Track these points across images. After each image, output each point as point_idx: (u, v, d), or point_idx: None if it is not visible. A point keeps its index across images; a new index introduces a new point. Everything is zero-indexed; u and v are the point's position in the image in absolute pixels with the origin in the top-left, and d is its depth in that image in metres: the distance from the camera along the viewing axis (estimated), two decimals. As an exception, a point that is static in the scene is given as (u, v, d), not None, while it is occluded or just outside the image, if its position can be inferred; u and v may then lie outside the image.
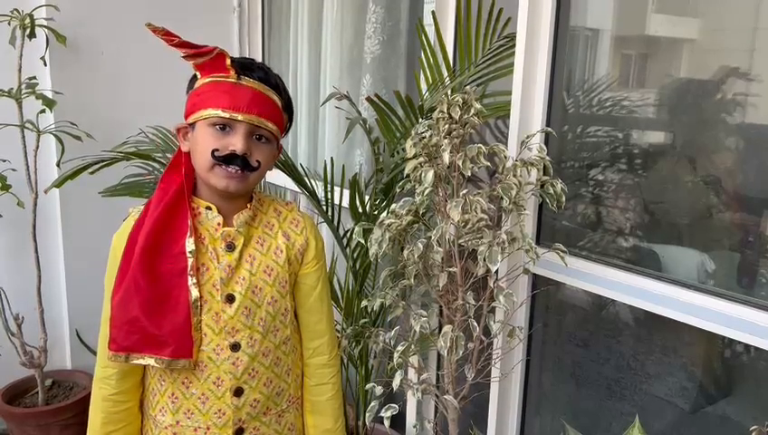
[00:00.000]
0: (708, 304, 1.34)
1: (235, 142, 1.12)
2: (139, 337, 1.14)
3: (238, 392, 1.20)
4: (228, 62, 1.12)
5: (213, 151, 1.12)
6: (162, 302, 1.14)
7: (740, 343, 1.34)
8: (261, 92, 1.14)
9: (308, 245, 1.28)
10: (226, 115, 1.11)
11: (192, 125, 1.16)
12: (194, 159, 1.17)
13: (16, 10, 2.24)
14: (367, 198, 1.84)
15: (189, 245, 1.15)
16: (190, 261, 1.15)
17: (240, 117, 1.11)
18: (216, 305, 1.18)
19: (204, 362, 1.18)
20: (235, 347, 1.19)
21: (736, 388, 1.47)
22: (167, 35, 1.10)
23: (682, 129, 1.50)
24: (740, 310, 1.29)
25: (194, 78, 1.18)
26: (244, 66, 1.15)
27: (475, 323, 1.45)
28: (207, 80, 1.14)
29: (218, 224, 1.19)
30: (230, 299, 1.19)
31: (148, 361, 1.15)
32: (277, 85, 1.18)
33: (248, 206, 1.22)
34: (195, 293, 1.15)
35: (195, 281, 1.15)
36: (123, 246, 1.17)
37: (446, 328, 1.43)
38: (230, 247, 1.19)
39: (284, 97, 1.20)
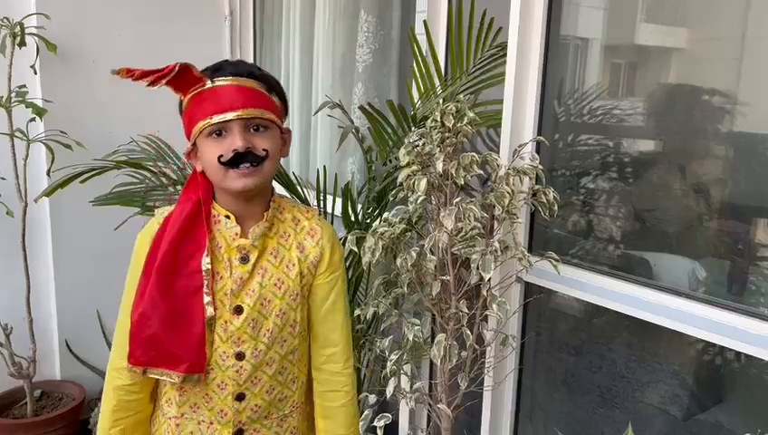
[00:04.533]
0: (699, 311, 1.35)
1: (234, 141, 1.12)
2: (155, 353, 1.17)
3: (240, 397, 1.22)
4: (196, 72, 1.12)
5: (219, 158, 1.13)
6: (178, 319, 1.17)
7: (731, 350, 1.35)
8: (239, 86, 1.14)
9: (322, 256, 1.27)
10: (215, 120, 1.12)
11: (195, 144, 1.18)
12: (208, 173, 1.19)
13: (6, 18, 2.23)
14: (359, 206, 1.84)
15: (205, 264, 1.17)
16: (206, 280, 1.17)
17: (229, 116, 1.12)
18: (225, 314, 1.19)
19: (210, 365, 1.20)
20: (240, 356, 1.20)
21: (728, 395, 1.47)
22: (128, 72, 1.10)
23: (672, 137, 1.51)
24: (731, 317, 1.30)
25: (180, 102, 1.19)
26: (216, 69, 1.16)
27: (469, 332, 1.45)
28: (189, 97, 1.15)
29: (236, 234, 1.20)
30: (238, 311, 1.20)
31: (163, 376, 1.18)
32: (251, 73, 1.17)
33: (265, 216, 1.21)
34: (210, 311, 1.17)
35: (210, 299, 1.17)
36: (146, 249, 1.19)
37: (440, 336, 1.43)
38: (244, 260, 1.20)
39: (265, 81, 1.19)
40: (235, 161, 1.13)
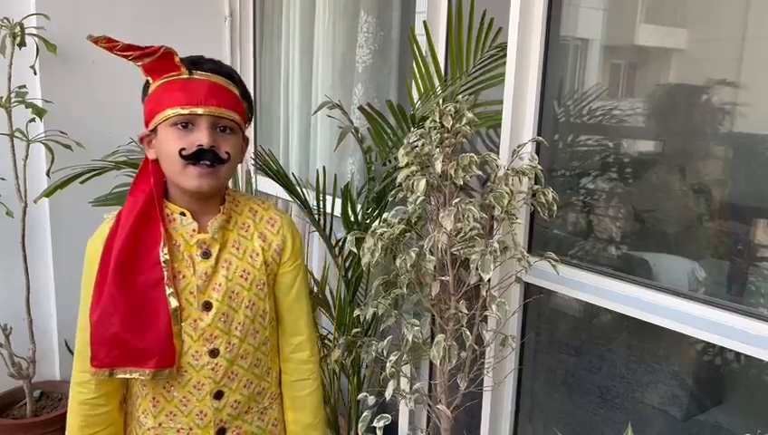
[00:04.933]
0: (699, 311, 1.35)
1: (200, 137, 1.10)
2: (120, 352, 1.14)
3: (218, 395, 1.21)
4: (177, 59, 1.11)
5: (180, 151, 1.11)
6: (141, 314, 1.14)
7: (731, 350, 1.35)
8: (215, 83, 1.13)
9: (284, 244, 1.27)
10: (186, 111, 1.10)
11: (154, 131, 1.15)
12: (163, 164, 1.16)
13: (6, 19, 2.23)
14: (359, 206, 1.84)
15: (163, 255, 1.15)
16: (165, 271, 1.14)
17: (200, 110, 1.10)
18: (194, 313, 1.18)
19: (184, 367, 1.18)
20: (214, 353, 1.19)
21: (728, 396, 1.47)
22: (109, 42, 1.08)
23: (671, 138, 1.51)
24: (730, 318, 1.30)
25: (146, 85, 1.16)
26: (194, 62, 1.14)
27: (468, 332, 1.45)
28: (160, 82, 1.12)
29: (193, 230, 1.18)
30: (207, 307, 1.18)
31: (133, 374, 1.15)
32: (230, 74, 1.17)
33: (221, 209, 1.21)
34: (174, 302, 1.15)
35: (172, 290, 1.15)
36: (99, 254, 1.16)
37: (439, 337, 1.42)
38: (206, 255, 1.19)
39: (240, 85, 1.18)
40: (195, 156, 1.11)
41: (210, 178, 1.13)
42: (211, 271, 1.19)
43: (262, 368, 1.27)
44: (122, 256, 1.13)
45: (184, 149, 1.11)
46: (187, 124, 1.11)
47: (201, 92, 1.11)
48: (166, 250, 1.15)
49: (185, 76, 1.11)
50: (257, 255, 1.23)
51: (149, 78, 1.14)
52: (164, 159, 1.15)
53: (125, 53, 1.09)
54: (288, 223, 1.30)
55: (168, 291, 1.14)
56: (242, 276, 1.21)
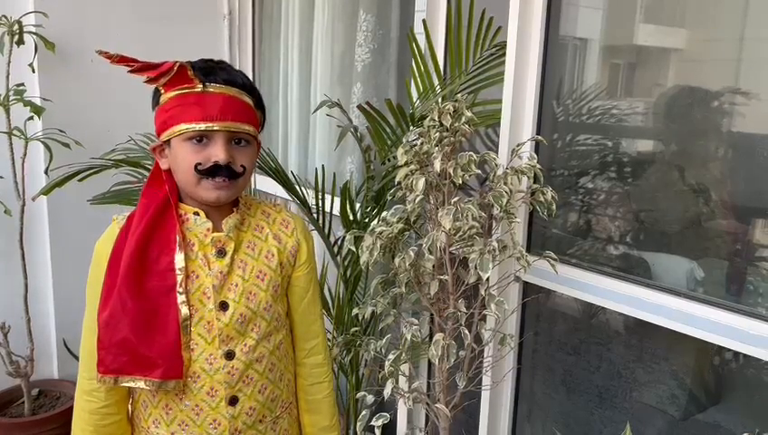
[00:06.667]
0: (698, 311, 1.35)
1: (217, 153, 1.09)
2: (128, 359, 1.11)
3: (233, 401, 1.18)
4: (191, 72, 1.08)
5: (196, 166, 1.09)
6: (151, 321, 1.11)
7: (729, 350, 1.35)
8: (231, 96, 1.10)
9: (299, 246, 1.26)
10: (202, 127, 1.08)
11: (167, 142, 1.13)
12: (177, 176, 1.15)
13: (5, 16, 2.23)
14: (358, 205, 1.84)
15: (179, 261, 1.13)
16: (179, 278, 1.13)
17: (216, 126, 1.08)
18: (207, 314, 1.15)
19: (197, 372, 1.15)
20: (230, 355, 1.17)
21: (726, 395, 1.47)
22: (121, 61, 1.07)
23: (671, 137, 1.51)
24: (729, 317, 1.30)
25: (156, 92, 1.14)
26: (207, 72, 1.10)
27: (467, 331, 1.45)
28: (172, 93, 1.10)
29: (208, 229, 1.16)
30: (223, 307, 1.16)
31: (138, 383, 1.13)
32: (244, 84, 1.14)
33: (235, 210, 1.19)
34: (185, 311, 1.13)
35: (184, 299, 1.13)
36: (107, 257, 1.14)
37: (438, 336, 1.42)
38: (221, 253, 1.17)
39: (254, 94, 1.17)
40: (211, 172, 1.10)
41: (227, 190, 1.13)
42: (227, 270, 1.16)
43: (275, 373, 1.25)
44: (134, 260, 1.11)
45: (200, 164, 1.09)
46: (201, 138, 1.10)
47: (216, 107, 1.09)
48: (182, 257, 1.13)
49: (199, 89, 1.09)
50: (273, 256, 1.22)
51: (161, 88, 1.12)
52: (178, 172, 1.13)
53: (139, 74, 1.08)
54: (301, 225, 1.28)
55: (180, 299, 1.12)
56: (258, 277, 1.19)
